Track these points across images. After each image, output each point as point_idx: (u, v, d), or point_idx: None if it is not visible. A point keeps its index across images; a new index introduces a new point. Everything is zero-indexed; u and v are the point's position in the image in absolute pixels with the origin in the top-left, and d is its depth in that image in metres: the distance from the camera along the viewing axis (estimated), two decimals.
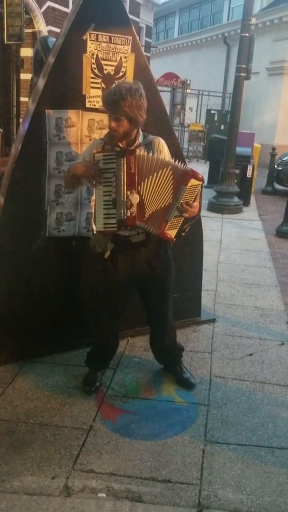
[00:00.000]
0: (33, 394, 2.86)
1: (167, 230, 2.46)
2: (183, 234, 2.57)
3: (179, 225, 2.50)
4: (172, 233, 2.49)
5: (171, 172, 2.40)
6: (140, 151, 2.47)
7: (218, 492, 2.22)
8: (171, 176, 2.40)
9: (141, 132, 2.60)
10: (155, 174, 2.41)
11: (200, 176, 2.42)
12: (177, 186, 2.40)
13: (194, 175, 2.39)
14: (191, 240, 3.63)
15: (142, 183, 2.42)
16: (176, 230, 2.50)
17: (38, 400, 2.82)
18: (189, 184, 2.39)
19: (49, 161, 2.98)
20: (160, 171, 2.40)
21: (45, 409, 2.74)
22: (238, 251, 6.13)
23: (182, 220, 2.49)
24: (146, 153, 2.46)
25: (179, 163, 2.44)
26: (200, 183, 2.45)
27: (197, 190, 2.46)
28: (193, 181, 2.40)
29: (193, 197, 2.45)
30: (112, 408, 2.79)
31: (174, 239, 2.54)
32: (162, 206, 2.44)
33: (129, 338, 3.54)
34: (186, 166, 2.46)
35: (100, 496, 2.16)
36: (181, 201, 2.41)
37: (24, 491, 2.16)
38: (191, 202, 2.45)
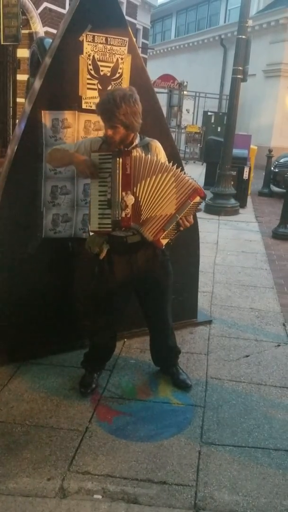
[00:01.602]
0: (29, 396, 2.86)
1: (161, 238, 2.51)
2: (170, 243, 2.63)
3: (172, 236, 2.56)
4: (164, 242, 2.55)
5: (172, 180, 2.43)
6: (137, 152, 2.48)
7: (214, 494, 2.22)
8: (172, 185, 2.43)
9: (138, 135, 2.60)
10: (154, 177, 2.42)
11: (203, 194, 2.50)
12: (182, 200, 2.45)
13: (200, 192, 2.47)
14: (188, 242, 3.63)
15: (138, 184, 2.42)
16: (168, 239, 2.56)
17: (33, 401, 2.81)
18: (193, 201, 2.46)
19: (45, 162, 2.98)
20: (160, 175, 2.42)
21: (41, 410, 2.73)
22: (234, 253, 6.14)
23: (176, 231, 2.55)
24: (143, 155, 2.46)
25: (180, 171, 2.47)
26: (202, 201, 2.52)
27: (198, 207, 2.54)
28: (197, 198, 2.47)
29: (193, 212, 2.53)
30: (108, 410, 2.79)
31: (163, 248, 2.60)
32: (162, 214, 2.47)
33: (125, 339, 3.54)
34: (185, 172, 2.50)
35: (96, 498, 2.15)
36: (183, 215, 2.47)
37: (20, 493, 2.15)
38: (190, 217, 2.51)
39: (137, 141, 2.57)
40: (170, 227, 2.49)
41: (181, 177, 2.44)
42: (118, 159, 2.39)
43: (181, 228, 2.52)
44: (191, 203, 2.45)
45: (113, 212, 2.43)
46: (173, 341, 3.09)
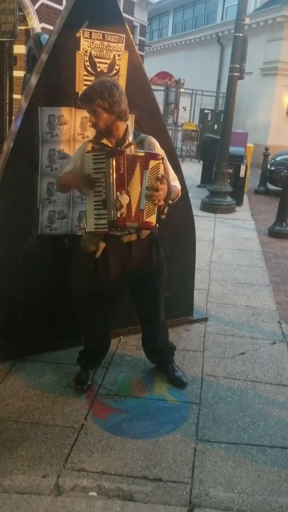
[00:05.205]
0: (24, 393, 2.85)
1: (145, 218, 2.43)
2: (163, 216, 2.55)
3: (156, 209, 2.47)
4: (152, 219, 2.47)
5: (139, 163, 2.39)
6: (131, 151, 2.46)
7: (209, 491, 2.22)
8: (139, 167, 2.39)
9: (131, 131, 2.58)
10: (139, 172, 2.39)
11: (158, 156, 2.43)
12: (142, 173, 2.39)
13: (152, 156, 2.40)
14: (184, 239, 3.64)
15: (130, 183, 2.40)
16: (155, 215, 2.48)
17: (29, 398, 2.80)
18: (149, 167, 2.38)
19: (41, 158, 2.97)
20: (138, 167, 2.39)
21: (36, 407, 2.73)
22: (230, 251, 6.15)
23: (155, 205, 2.46)
24: (135, 153, 2.45)
25: (143, 152, 2.44)
26: (159, 161, 2.42)
27: (159, 171, 2.43)
28: (152, 163, 2.39)
29: (157, 179, 2.42)
30: (103, 407, 2.79)
31: (157, 225, 2.53)
32: (138, 198, 2.42)
33: (121, 336, 3.54)
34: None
35: (91, 495, 2.15)
36: (147, 185, 2.39)
37: (15, 490, 2.15)
38: (158, 184, 2.41)
39: (130, 138, 2.56)
40: (145, 204, 2.41)
41: (141, 156, 2.40)
42: (111, 158, 2.37)
43: (158, 201, 2.43)
44: (148, 171, 2.38)
45: (109, 212, 2.42)
46: (165, 338, 3.09)
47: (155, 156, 2.42)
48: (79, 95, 2.50)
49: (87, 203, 2.53)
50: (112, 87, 2.39)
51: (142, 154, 2.42)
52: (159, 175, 2.43)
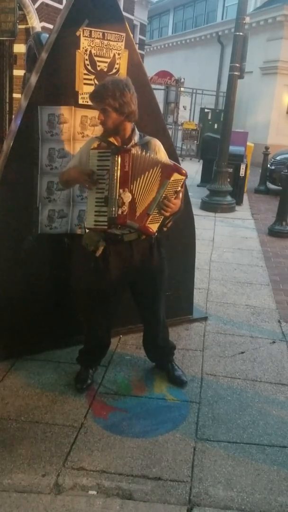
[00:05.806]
0: (24, 392, 2.85)
1: (148, 224, 2.44)
2: (164, 229, 2.56)
3: (161, 219, 2.49)
4: (153, 227, 2.48)
5: (160, 170, 2.39)
6: (136, 151, 2.47)
7: (209, 490, 2.23)
8: (160, 174, 2.40)
9: (137, 132, 2.59)
10: (147, 173, 2.39)
11: (183, 171, 2.42)
12: (162, 181, 2.39)
13: (177, 169, 2.40)
14: (184, 239, 3.64)
15: (135, 181, 2.40)
16: (158, 224, 2.49)
17: (29, 397, 2.81)
18: (171, 178, 2.38)
19: (41, 157, 2.97)
20: (151, 170, 2.39)
21: (36, 406, 2.73)
22: (230, 250, 6.15)
23: (161, 215, 2.48)
24: (141, 152, 2.45)
25: (169, 161, 2.44)
26: (183, 178, 2.43)
27: (179, 185, 2.45)
28: (176, 176, 2.39)
29: (175, 192, 2.44)
30: (103, 406, 2.79)
31: (156, 234, 2.53)
32: (148, 201, 2.43)
33: (121, 335, 3.54)
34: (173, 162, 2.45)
35: (91, 494, 2.15)
36: (163, 195, 2.40)
37: (14, 489, 2.15)
38: (172, 198, 2.43)
39: (136, 138, 2.56)
40: (154, 211, 2.42)
41: (165, 164, 2.41)
42: (117, 156, 2.37)
43: (166, 212, 2.44)
44: (169, 181, 2.38)
45: (110, 209, 2.42)
46: (165, 337, 3.09)
47: (181, 171, 2.41)
48: (91, 93, 2.49)
49: (88, 200, 2.53)
50: (124, 88, 2.39)
51: (170, 164, 2.41)
52: (177, 189, 2.45)
